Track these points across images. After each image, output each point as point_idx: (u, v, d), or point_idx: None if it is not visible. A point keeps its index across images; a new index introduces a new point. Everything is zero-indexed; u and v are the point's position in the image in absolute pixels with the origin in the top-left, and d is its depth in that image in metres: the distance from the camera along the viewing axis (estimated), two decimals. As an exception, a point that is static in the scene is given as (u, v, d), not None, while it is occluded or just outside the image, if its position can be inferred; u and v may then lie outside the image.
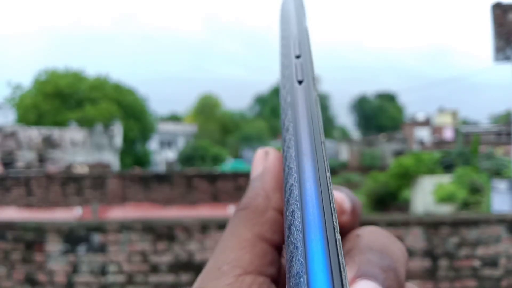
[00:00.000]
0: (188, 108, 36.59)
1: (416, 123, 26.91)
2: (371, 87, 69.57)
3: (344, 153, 25.49)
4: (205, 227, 2.74)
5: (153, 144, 26.27)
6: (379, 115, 42.82)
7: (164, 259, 2.74)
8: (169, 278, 2.73)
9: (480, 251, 2.72)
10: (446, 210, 7.61)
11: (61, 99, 19.29)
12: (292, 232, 0.16)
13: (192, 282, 2.84)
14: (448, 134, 23.94)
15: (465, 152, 10.14)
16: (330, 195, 0.17)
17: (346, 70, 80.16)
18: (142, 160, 20.99)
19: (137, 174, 9.80)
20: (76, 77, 20.44)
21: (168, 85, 68.35)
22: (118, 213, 7.28)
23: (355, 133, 43.66)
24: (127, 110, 19.99)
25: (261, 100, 40.49)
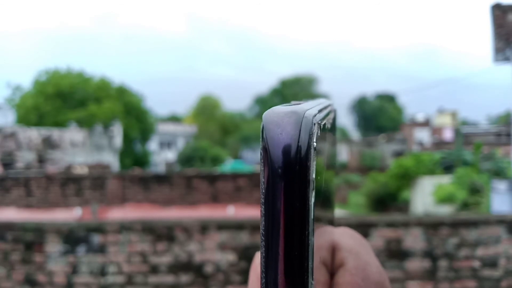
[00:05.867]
0: (188, 108, 36.64)
1: (415, 124, 26.93)
2: (365, 88, 69.67)
3: (344, 154, 25.49)
4: (204, 227, 2.74)
5: (152, 145, 26.27)
6: (378, 115, 42.85)
7: (164, 259, 2.74)
8: (168, 278, 2.73)
9: (480, 251, 2.72)
10: (445, 210, 7.61)
11: (62, 99, 19.31)
12: None
13: (191, 282, 2.84)
14: (447, 134, 23.95)
15: (465, 153, 10.15)
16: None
17: (337, 70, 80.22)
18: (142, 160, 21.00)
19: (136, 174, 9.79)
20: (80, 77, 20.49)
21: (159, 86, 68.44)
22: (117, 213, 7.28)
23: (354, 134, 43.69)
24: (129, 111, 20.04)
25: (260, 101, 40.50)
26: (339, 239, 0.26)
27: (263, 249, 0.18)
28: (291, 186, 0.17)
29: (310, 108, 0.19)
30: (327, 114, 0.22)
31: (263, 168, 0.18)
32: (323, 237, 0.22)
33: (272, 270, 0.18)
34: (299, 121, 0.18)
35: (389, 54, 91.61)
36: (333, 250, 0.25)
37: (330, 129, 0.23)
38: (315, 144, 0.18)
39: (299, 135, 0.18)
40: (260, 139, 0.19)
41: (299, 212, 0.17)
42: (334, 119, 0.26)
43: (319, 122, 0.19)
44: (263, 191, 0.18)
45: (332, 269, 0.25)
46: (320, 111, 0.20)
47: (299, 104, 0.20)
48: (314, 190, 0.18)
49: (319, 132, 0.19)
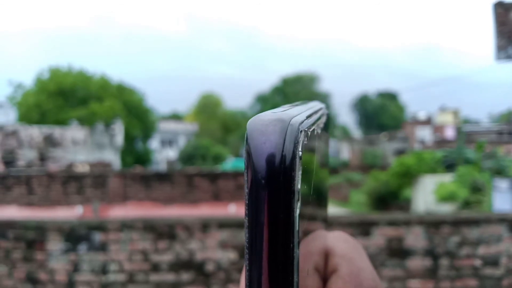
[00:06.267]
0: (189, 107, 36.69)
1: (417, 122, 26.89)
2: (366, 86, 69.60)
3: (345, 152, 25.48)
4: (206, 226, 2.74)
5: (154, 143, 26.29)
6: (380, 114, 42.82)
7: (165, 258, 2.74)
8: (170, 277, 2.73)
9: (481, 250, 2.72)
10: (447, 209, 7.60)
11: (63, 97, 19.35)
12: None
13: (193, 281, 2.84)
14: (449, 133, 23.90)
15: (467, 152, 10.14)
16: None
17: (338, 68, 79.92)
18: (143, 158, 21.03)
19: (138, 173, 9.80)
20: (82, 76, 20.53)
21: (160, 84, 68.40)
22: (119, 212, 7.30)
23: (356, 132, 43.67)
24: (130, 109, 20.07)
25: (262, 99, 40.50)
26: (332, 243, 0.25)
27: (247, 262, 0.17)
28: (275, 197, 0.16)
29: (297, 114, 0.18)
30: (318, 119, 0.21)
31: (246, 179, 0.17)
32: (316, 241, 0.22)
33: (255, 284, 0.17)
34: (284, 129, 0.17)
35: (389, 52, 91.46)
36: (326, 255, 0.25)
37: (321, 132, 0.22)
38: (300, 153, 0.17)
39: (284, 143, 0.17)
40: (244, 147, 0.17)
41: (283, 224, 0.17)
42: (326, 123, 0.25)
43: (306, 129, 0.18)
44: (247, 202, 0.17)
45: (325, 275, 0.24)
46: (309, 116, 0.19)
47: (287, 110, 0.19)
48: (299, 201, 0.17)
49: (305, 139, 0.18)
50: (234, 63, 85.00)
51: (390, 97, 43.99)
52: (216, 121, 32.64)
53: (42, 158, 13.47)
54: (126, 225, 2.77)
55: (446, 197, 7.85)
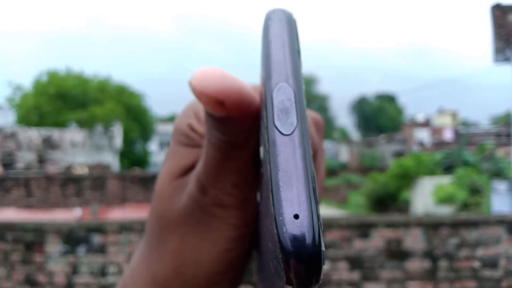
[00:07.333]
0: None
1: (416, 124, 26.92)
2: (359, 88, 69.43)
3: (344, 154, 25.49)
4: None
5: (152, 145, 26.28)
6: (378, 116, 42.87)
7: (164, 260, 2.73)
8: (169, 279, 2.72)
9: (480, 252, 2.72)
10: (446, 211, 7.60)
11: (62, 100, 19.32)
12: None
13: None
14: (448, 135, 23.92)
15: (466, 154, 10.15)
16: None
17: (331, 70, 79.86)
18: (142, 161, 21.00)
19: (136, 175, 9.79)
20: (80, 79, 20.52)
21: (158, 86, 68.37)
22: (117, 214, 7.27)
23: (355, 134, 43.71)
24: (129, 110, 20.06)
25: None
26: None
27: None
28: None
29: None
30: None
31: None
32: None
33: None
34: None
35: (384, 54, 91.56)
36: None
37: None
38: None
39: None
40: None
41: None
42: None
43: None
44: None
45: None
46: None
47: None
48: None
49: None
50: (228, 65, 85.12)
51: (388, 99, 44.06)
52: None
53: (41, 160, 13.45)
54: (125, 227, 2.77)
55: (445, 199, 7.86)
